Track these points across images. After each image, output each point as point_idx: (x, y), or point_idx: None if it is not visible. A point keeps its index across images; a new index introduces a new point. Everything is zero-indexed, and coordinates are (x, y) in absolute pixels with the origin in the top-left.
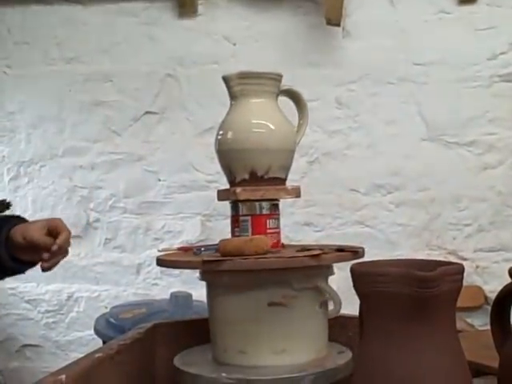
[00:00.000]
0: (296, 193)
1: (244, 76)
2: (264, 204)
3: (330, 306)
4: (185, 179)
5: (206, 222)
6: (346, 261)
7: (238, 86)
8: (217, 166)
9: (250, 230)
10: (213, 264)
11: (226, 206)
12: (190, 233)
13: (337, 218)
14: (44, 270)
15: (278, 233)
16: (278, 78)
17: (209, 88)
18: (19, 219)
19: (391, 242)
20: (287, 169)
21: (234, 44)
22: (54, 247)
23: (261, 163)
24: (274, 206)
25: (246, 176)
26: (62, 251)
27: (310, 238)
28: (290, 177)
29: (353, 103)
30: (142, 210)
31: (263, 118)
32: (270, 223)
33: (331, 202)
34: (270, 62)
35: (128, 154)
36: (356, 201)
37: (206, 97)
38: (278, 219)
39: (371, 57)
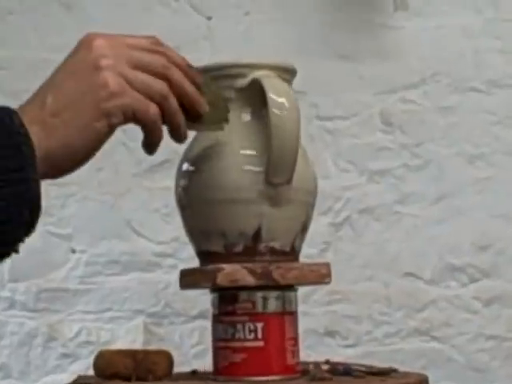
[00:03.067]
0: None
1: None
2: (216, 302)
3: None
4: (118, 250)
5: (153, 326)
6: None
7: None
8: (174, 229)
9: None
10: None
11: (185, 298)
12: (125, 345)
13: (382, 323)
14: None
15: (249, 348)
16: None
17: None
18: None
19: (476, 367)
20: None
21: (209, 18)
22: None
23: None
24: (234, 301)
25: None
26: None
27: (334, 356)
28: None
29: (411, 124)
30: (43, 303)
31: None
32: (235, 331)
33: (372, 294)
34: (270, 51)
35: None
36: (416, 294)
37: None
38: (260, 327)
39: (444, 45)
